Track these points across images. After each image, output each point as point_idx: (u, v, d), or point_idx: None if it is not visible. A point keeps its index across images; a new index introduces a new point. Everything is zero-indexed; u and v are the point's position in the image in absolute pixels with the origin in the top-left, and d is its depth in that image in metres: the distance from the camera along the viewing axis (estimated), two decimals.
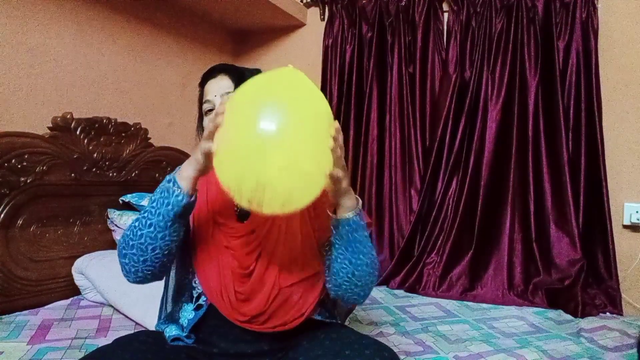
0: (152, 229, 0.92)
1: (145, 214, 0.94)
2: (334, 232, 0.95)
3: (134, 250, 0.95)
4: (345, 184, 0.89)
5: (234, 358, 1.04)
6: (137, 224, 0.95)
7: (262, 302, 1.00)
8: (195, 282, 1.10)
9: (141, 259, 0.95)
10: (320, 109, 0.86)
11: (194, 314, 1.07)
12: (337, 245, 0.96)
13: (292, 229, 1.03)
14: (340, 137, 0.86)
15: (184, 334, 1.06)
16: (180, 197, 0.91)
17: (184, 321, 1.08)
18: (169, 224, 0.92)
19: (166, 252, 0.96)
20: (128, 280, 1.01)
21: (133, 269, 0.98)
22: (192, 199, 0.93)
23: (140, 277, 0.99)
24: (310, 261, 1.03)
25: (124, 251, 0.97)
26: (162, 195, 0.92)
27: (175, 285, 1.16)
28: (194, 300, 1.10)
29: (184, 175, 0.92)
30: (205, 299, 1.07)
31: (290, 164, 0.78)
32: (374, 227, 2.68)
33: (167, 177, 0.94)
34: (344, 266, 0.96)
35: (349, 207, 0.93)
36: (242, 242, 1.03)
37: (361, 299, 1.03)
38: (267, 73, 0.91)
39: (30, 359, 1.36)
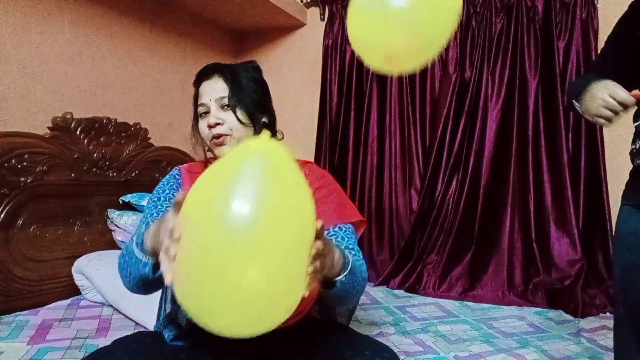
0: (131, 276, 0.91)
1: (125, 260, 0.91)
2: (323, 293, 0.87)
3: (123, 276, 0.95)
4: (326, 270, 0.77)
5: (233, 358, 1.04)
6: (121, 260, 0.94)
7: None
8: None
9: (129, 284, 0.96)
10: (304, 215, 0.67)
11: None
12: (328, 300, 0.91)
13: None
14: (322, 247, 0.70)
15: (183, 334, 1.06)
16: (146, 269, 0.85)
17: (182, 321, 1.08)
18: (145, 283, 0.90)
19: (154, 289, 0.96)
20: (127, 289, 1.01)
21: (125, 284, 0.98)
22: (158, 274, 0.84)
23: (136, 293, 0.99)
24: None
25: (119, 269, 0.97)
26: (133, 255, 0.87)
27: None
28: None
29: (147, 246, 0.82)
30: None
31: (263, 295, 0.63)
32: (374, 227, 2.68)
33: (137, 234, 0.88)
34: (335, 306, 0.94)
35: (336, 273, 0.82)
36: None
37: (352, 304, 1.02)
38: (229, 158, 0.68)
39: (30, 359, 1.36)
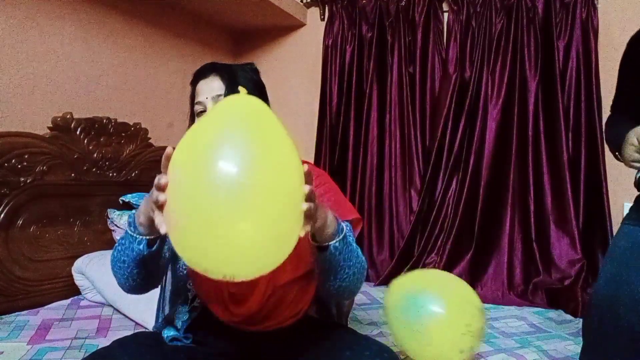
0: (125, 264, 0.92)
1: (120, 248, 0.92)
2: (316, 256, 0.88)
3: (116, 272, 0.96)
4: (320, 221, 0.79)
5: (233, 358, 1.04)
6: (115, 252, 0.94)
7: (256, 303, 0.99)
8: (189, 285, 1.09)
9: (123, 280, 0.96)
10: (288, 157, 0.70)
11: (188, 315, 1.07)
12: (321, 267, 0.91)
13: None
14: (312, 190, 0.73)
15: (181, 335, 1.06)
16: (141, 246, 0.86)
17: (178, 323, 1.08)
18: (140, 264, 0.90)
19: (148, 278, 0.96)
20: (123, 290, 1.01)
21: (121, 282, 0.98)
22: (154, 248, 0.86)
23: (131, 290, 0.99)
24: (304, 258, 0.99)
25: (112, 266, 0.98)
26: (127, 237, 0.88)
27: (171, 287, 1.16)
28: (189, 302, 1.10)
29: (139, 220, 0.84)
30: (199, 300, 1.07)
31: (257, 242, 0.66)
32: (374, 227, 2.68)
33: (130, 215, 0.89)
34: (330, 281, 0.93)
35: (330, 234, 0.84)
36: None
37: (351, 296, 1.01)
38: (212, 112, 0.74)
39: (30, 359, 1.36)
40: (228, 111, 0.72)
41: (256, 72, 1.11)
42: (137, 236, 0.85)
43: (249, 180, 0.64)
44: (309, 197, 0.70)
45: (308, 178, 0.72)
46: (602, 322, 1.01)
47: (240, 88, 0.75)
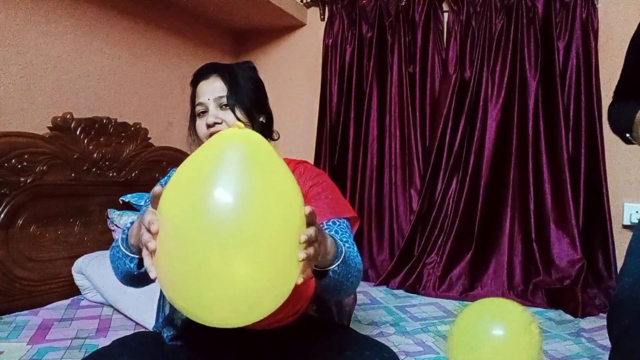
0: (119, 270, 0.92)
1: (115, 255, 0.91)
2: (316, 281, 0.86)
3: (114, 269, 0.96)
4: (320, 256, 0.75)
5: (232, 357, 1.04)
6: (112, 257, 0.94)
7: None
8: None
9: (120, 277, 0.96)
10: (286, 201, 0.64)
11: None
12: (321, 289, 0.89)
13: None
14: (314, 234, 0.69)
15: (181, 334, 1.06)
16: (133, 265, 0.85)
17: (178, 322, 1.09)
18: (131, 278, 0.90)
19: (143, 284, 0.96)
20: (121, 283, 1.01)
21: (119, 279, 0.98)
22: (143, 270, 0.81)
23: (127, 285, 0.99)
24: None
25: (111, 261, 0.98)
26: (119, 253, 0.88)
27: None
28: None
29: (131, 241, 0.82)
30: None
31: (250, 294, 0.62)
32: (374, 227, 2.68)
33: (123, 229, 0.88)
34: (328, 295, 0.92)
35: (329, 260, 0.81)
36: None
37: (348, 297, 1.00)
38: (206, 149, 0.66)
39: (30, 359, 1.36)
40: (223, 150, 0.64)
41: (254, 70, 1.12)
42: (129, 254, 0.85)
43: (243, 234, 0.59)
44: (310, 241, 0.67)
45: (311, 218, 0.67)
46: (635, 324, 0.96)
47: (237, 123, 0.71)
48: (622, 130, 1.09)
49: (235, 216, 0.59)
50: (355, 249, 0.98)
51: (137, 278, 0.90)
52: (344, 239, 0.98)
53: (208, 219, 0.59)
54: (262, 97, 1.10)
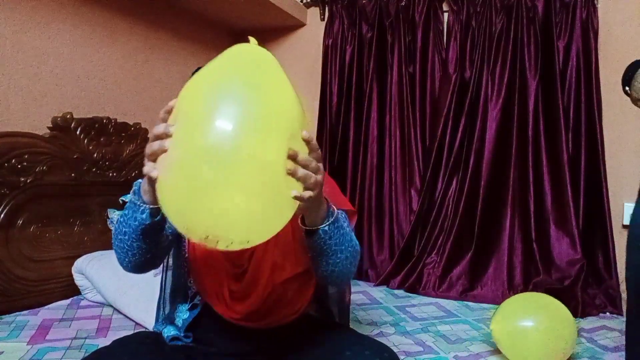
0: (126, 237, 0.90)
1: (122, 219, 0.91)
2: (306, 241, 0.87)
3: (117, 246, 0.95)
4: (316, 200, 0.78)
5: (233, 357, 1.04)
6: (117, 225, 0.93)
7: (257, 300, 1.00)
8: (190, 282, 1.10)
9: (123, 255, 0.95)
10: (289, 114, 0.71)
11: (188, 313, 1.08)
12: (311, 251, 0.90)
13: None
14: (312, 148, 0.74)
15: (182, 334, 1.06)
16: (144, 215, 0.84)
17: (179, 321, 1.09)
18: (140, 237, 0.89)
19: (148, 256, 0.94)
20: (122, 268, 1.00)
21: (121, 258, 0.97)
22: (157, 218, 0.85)
23: (130, 268, 0.98)
24: (303, 255, 0.99)
25: (113, 242, 0.97)
26: (131, 207, 0.87)
27: (171, 285, 1.16)
28: (188, 300, 1.10)
29: (144, 188, 0.83)
30: (200, 298, 1.07)
31: (247, 201, 0.65)
32: (374, 227, 2.68)
33: (135, 183, 0.88)
34: (322, 266, 0.91)
35: (320, 217, 0.83)
36: None
37: (345, 282, 0.99)
38: (219, 63, 0.73)
39: (30, 359, 1.36)
40: (232, 65, 0.71)
41: None
42: (141, 204, 0.84)
43: (242, 150, 0.63)
44: (307, 155, 0.72)
45: (312, 145, 0.74)
46: None
47: (250, 38, 0.75)
48: (623, 82, 1.06)
49: (235, 135, 0.63)
50: (353, 236, 0.97)
51: (148, 231, 0.87)
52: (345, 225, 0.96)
53: (206, 140, 0.63)
54: None
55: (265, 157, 0.65)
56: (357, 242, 0.96)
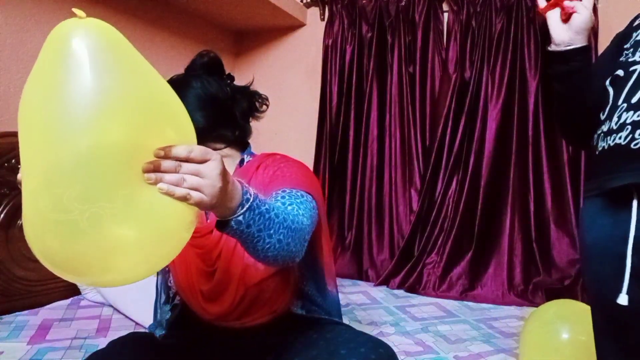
0: None
1: None
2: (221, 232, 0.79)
3: None
4: (214, 198, 0.67)
5: (228, 356, 1.03)
6: None
7: (229, 301, 0.98)
8: (170, 282, 1.09)
9: None
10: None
11: (169, 313, 1.08)
12: (236, 239, 0.81)
13: None
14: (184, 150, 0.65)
15: (162, 334, 1.06)
16: None
17: (162, 321, 1.09)
18: None
19: None
20: None
21: None
22: None
23: None
24: None
25: None
26: None
27: (159, 286, 1.17)
28: (170, 300, 1.10)
29: None
30: (179, 298, 1.07)
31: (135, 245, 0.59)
32: (374, 227, 2.68)
33: None
34: (251, 251, 0.82)
35: (232, 207, 0.72)
36: (203, 240, 1.00)
37: (287, 261, 0.87)
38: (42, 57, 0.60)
39: (30, 359, 1.36)
40: (66, 56, 0.57)
41: (202, 80, 1.08)
42: None
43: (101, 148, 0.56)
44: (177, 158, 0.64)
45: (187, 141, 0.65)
46: (607, 324, 0.93)
47: (76, 11, 0.59)
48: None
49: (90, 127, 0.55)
50: (296, 214, 0.87)
51: None
52: (288, 203, 0.90)
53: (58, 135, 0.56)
54: (214, 117, 1.03)
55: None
56: (299, 219, 0.86)
